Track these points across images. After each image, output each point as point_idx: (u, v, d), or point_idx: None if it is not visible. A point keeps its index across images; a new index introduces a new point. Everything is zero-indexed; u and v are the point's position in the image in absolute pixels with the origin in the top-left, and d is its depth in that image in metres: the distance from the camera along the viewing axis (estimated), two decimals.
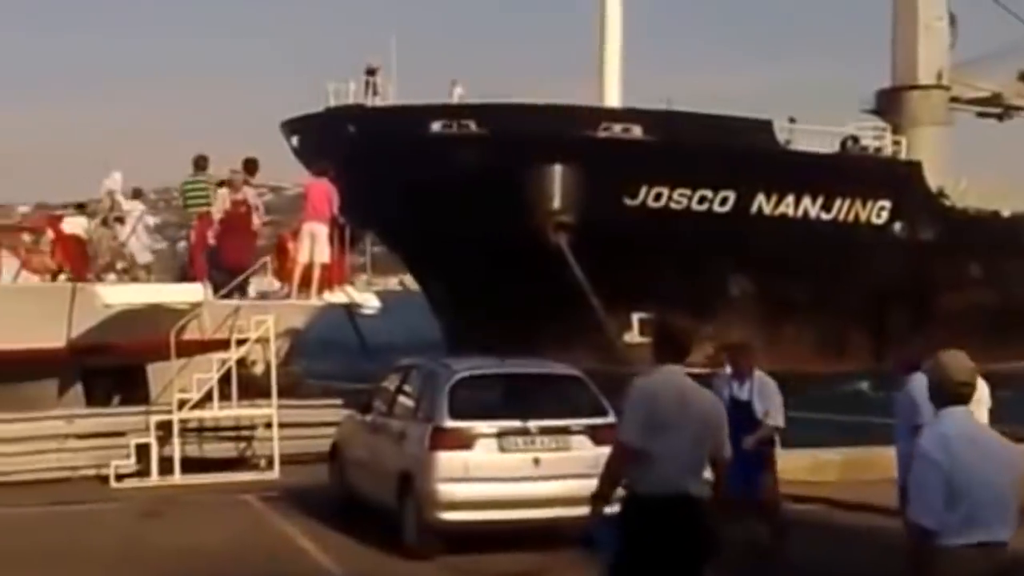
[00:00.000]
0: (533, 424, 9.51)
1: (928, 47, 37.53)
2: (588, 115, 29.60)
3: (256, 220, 14.87)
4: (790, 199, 30.86)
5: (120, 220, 15.53)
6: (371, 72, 29.36)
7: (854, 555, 9.44)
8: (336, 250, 15.70)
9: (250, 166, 15.40)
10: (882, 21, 38.95)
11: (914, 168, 33.16)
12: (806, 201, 31.11)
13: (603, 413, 9.53)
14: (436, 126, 28.56)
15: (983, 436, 4.44)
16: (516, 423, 9.47)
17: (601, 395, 9.81)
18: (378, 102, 29.40)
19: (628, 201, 29.33)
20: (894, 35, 38.33)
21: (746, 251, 29.52)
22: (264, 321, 13.86)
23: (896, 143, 33.32)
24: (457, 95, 29.98)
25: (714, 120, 30.28)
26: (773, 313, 29.53)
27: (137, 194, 17.06)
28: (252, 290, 15.55)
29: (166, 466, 13.28)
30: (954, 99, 38.56)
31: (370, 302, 16.15)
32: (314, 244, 15.47)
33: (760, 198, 30.52)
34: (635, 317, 29.80)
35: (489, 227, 26.30)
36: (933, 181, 35.62)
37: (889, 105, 38.35)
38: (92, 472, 13.34)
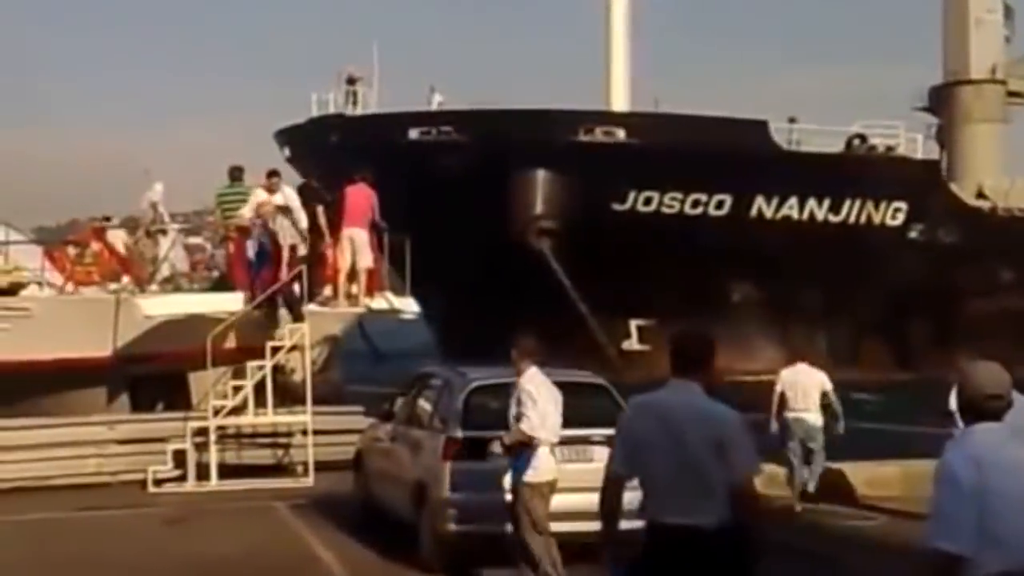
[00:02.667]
0: None
1: (980, 41, 36.31)
2: (568, 119, 29.02)
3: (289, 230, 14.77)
4: (793, 201, 29.92)
5: (163, 232, 15.74)
6: (351, 81, 29.45)
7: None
8: (375, 256, 15.68)
9: (274, 175, 15.41)
10: (936, 16, 37.83)
11: (931, 167, 31.88)
12: (811, 203, 30.14)
13: None
14: (415, 133, 28.53)
15: (1012, 454, 3.99)
16: (564, 432, 9.24)
17: (625, 403, 9.55)
18: (359, 111, 29.45)
19: (616, 206, 28.77)
20: (944, 30, 37.23)
21: (747, 256, 28.54)
22: (299, 329, 13.90)
23: (912, 141, 31.96)
24: (436, 102, 29.83)
25: (702, 121, 29.36)
26: (779, 320, 28.47)
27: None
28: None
29: (204, 472, 13.40)
30: (1013, 94, 37.18)
31: (410, 307, 16.10)
32: (356, 249, 15.46)
33: (759, 201, 29.66)
34: (633, 324, 29.15)
35: (471, 234, 25.97)
36: (982, 180, 34.34)
37: (941, 102, 37.25)
38: (132, 477, 13.52)
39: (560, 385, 9.99)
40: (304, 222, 14.65)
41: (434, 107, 29.77)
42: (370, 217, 15.64)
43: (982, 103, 36.45)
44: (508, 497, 8.50)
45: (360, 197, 15.72)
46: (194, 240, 17.58)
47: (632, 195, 28.93)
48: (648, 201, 29.11)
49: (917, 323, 30.42)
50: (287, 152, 30.66)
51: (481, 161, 26.49)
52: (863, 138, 31.41)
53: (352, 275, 15.52)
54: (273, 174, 15.24)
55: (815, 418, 12.12)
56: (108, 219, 16.20)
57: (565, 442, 9.32)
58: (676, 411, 4.80)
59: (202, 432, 13.49)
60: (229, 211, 15.43)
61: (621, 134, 29.01)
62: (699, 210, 29.36)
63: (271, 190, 14.71)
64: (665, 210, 29.17)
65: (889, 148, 31.73)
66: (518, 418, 8.39)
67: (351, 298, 15.52)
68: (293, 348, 13.93)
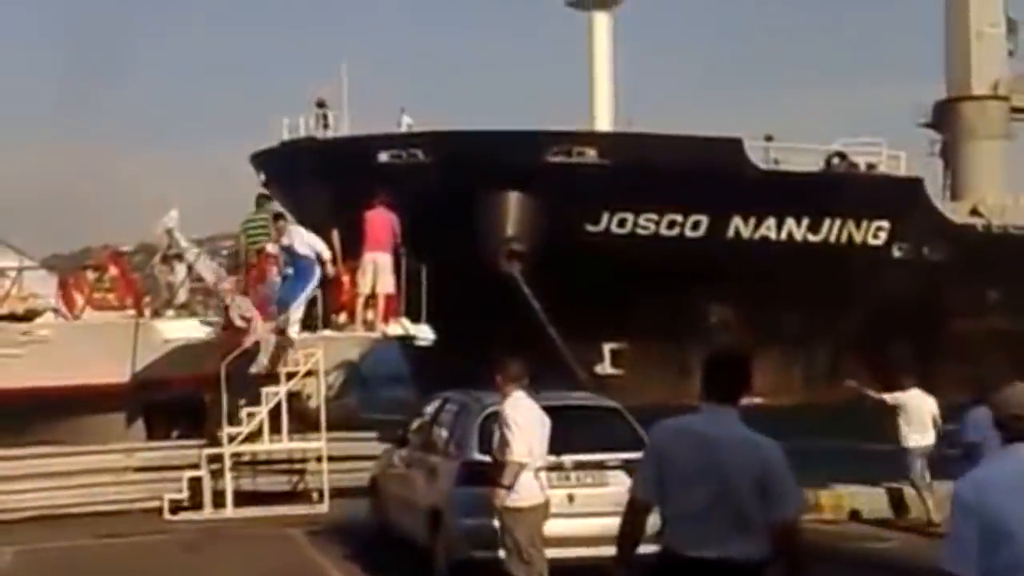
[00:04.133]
0: (567, 459, 9.22)
1: (982, 56, 35.99)
2: (538, 140, 28.77)
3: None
4: (771, 221, 29.44)
5: (179, 257, 15.80)
6: (321, 105, 29.46)
7: None
8: (392, 281, 15.68)
9: (280, 219, 15.39)
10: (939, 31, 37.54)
11: (913, 185, 31.23)
12: (790, 223, 29.60)
13: (642, 447, 9.18)
14: (384, 156, 28.36)
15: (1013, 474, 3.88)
16: (549, 458, 9.21)
17: (640, 428, 9.49)
18: (330, 134, 29.41)
19: (590, 227, 28.43)
20: (946, 44, 36.94)
21: (725, 277, 28.00)
22: (313, 354, 13.90)
23: (894, 158, 31.40)
24: (406, 124, 29.78)
25: (675, 140, 29.03)
26: (758, 341, 28.43)
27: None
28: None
29: (219, 499, 13.38)
30: (1017, 110, 36.78)
31: (425, 334, 16.07)
32: (377, 274, 15.45)
33: (736, 221, 29.19)
34: (606, 347, 28.75)
35: (441, 257, 25.87)
36: (985, 197, 33.80)
37: (944, 118, 36.88)
38: (149, 505, 13.52)
39: (572, 409, 9.97)
40: (322, 251, 14.55)
41: (403, 129, 29.71)
42: (392, 241, 15.66)
43: (985, 119, 36.13)
44: (496, 523, 8.39)
45: (381, 221, 15.73)
46: (209, 264, 17.65)
47: (606, 216, 28.61)
48: (622, 222, 28.80)
49: (900, 343, 29.98)
50: (263, 176, 30.68)
51: (450, 183, 26.30)
52: (843, 156, 30.98)
53: (370, 300, 15.53)
54: (279, 217, 15.15)
55: (931, 442, 12.09)
56: (124, 253, 16.29)
57: (579, 466, 9.29)
58: (716, 441, 4.52)
59: (217, 459, 13.48)
60: (254, 237, 15.48)
61: (592, 154, 28.75)
62: (675, 231, 29.01)
63: (280, 233, 14.63)
64: (640, 231, 28.87)
65: (870, 166, 31.24)
66: (501, 444, 8.28)
67: (367, 324, 15.52)
68: (308, 374, 13.92)
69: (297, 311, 14.17)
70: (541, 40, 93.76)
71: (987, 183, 35.41)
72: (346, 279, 15.57)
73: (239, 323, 13.77)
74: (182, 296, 15.79)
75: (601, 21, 33.43)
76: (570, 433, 9.49)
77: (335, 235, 15.27)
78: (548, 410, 9.82)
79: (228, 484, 13.39)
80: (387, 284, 15.47)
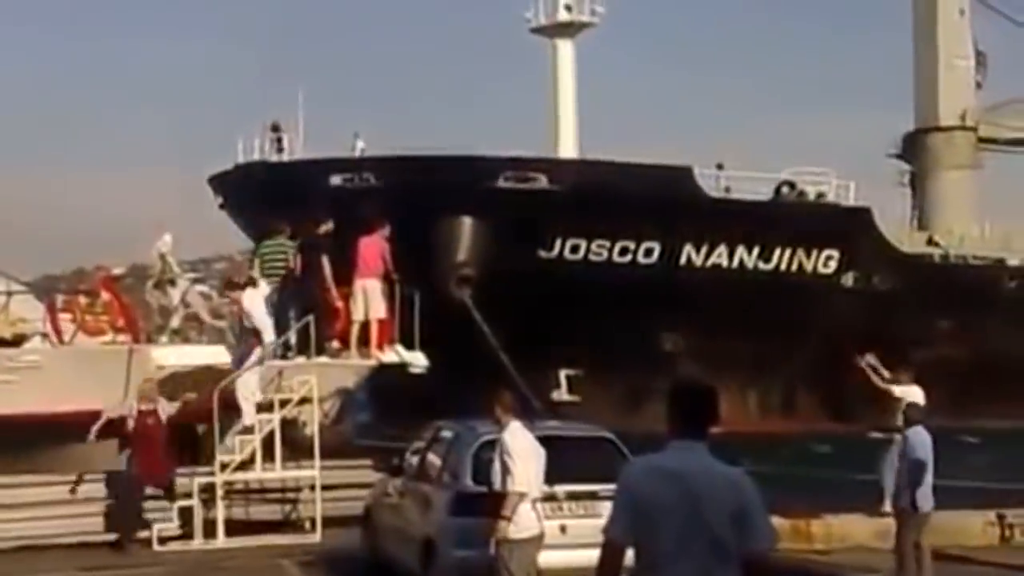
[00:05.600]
0: (560, 489, 9.11)
1: (950, 87, 36.08)
2: (489, 165, 28.70)
3: None
4: (722, 249, 29.41)
5: (172, 282, 15.68)
6: (275, 128, 29.46)
7: None
8: (386, 307, 15.55)
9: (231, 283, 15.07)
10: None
11: (862, 214, 31.20)
12: (741, 251, 29.60)
13: None
14: (337, 179, 28.26)
15: None
16: (544, 488, 9.07)
17: (633, 458, 9.35)
18: (285, 157, 29.39)
19: (543, 253, 28.35)
20: (915, 76, 37.15)
21: (678, 304, 27.92)
22: (307, 381, 13.75)
23: (843, 187, 31.32)
24: (359, 148, 29.69)
25: (625, 167, 28.99)
26: (712, 370, 28.22)
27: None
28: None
29: (210, 528, 13.18)
30: (985, 140, 36.92)
31: (418, 361, 15.92)
32: (369, 301, 15.33)
33: (688, 248, 29.21)
34: (562, 374, 28.63)
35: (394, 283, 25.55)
36: (957, 226, 33.81)
37: (912, 149, 37.08)
38: (140, 535, 13.28)
39: (564, 439, 9.86)
40: (262, 328, 14.08)
41: (357, 153, 29.65)
42: (383, 268, 15.55)
43: (952, 150, 36.09)
44: (490, 553, 8.29)
45: (373, 248, 15.63)
46: (200, 288, 17.50)
47: (558, 242, 28.57)
48: (575, 249, 28.73)
49: (852, 373, 29.76)
50: (219, 199, 30.70)
51: (401, 208, 26.34)
52: (792, 185, 31.06)
53: (364, 327, 15.39)
54: (232, 285, 14.60)
55: None
56: (117, 277, 16.14)
57: (573, 496, 9.17)
58: (688, 477, 4.43)
59: (209, 488, 13.28)
60: (270, 263, 15.35)
61: (543, 180, 28.72)
62: (627, 258, 28.98)
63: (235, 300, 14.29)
64: (593, 258, 28.79)
65: (820, 195, 31.27)
66: (503, 475, 8.20)
67: (362, 350, 15.37)
68: (303, 401, 13.76)
69: (245, 385, 13.79)
70: (507, 66, 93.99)
71: (954, 212, 35.60)
72: (339, 305, 15.44)
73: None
74: (175, 322, 15.64)
75: (565, 49, 33.65)
76: (563, 463, 9.38)
77: (325, 261, 15.15)
78: (541, 440, 9.72)
79: (220, 513, 13.18)
80: (378, 310, 15.36)
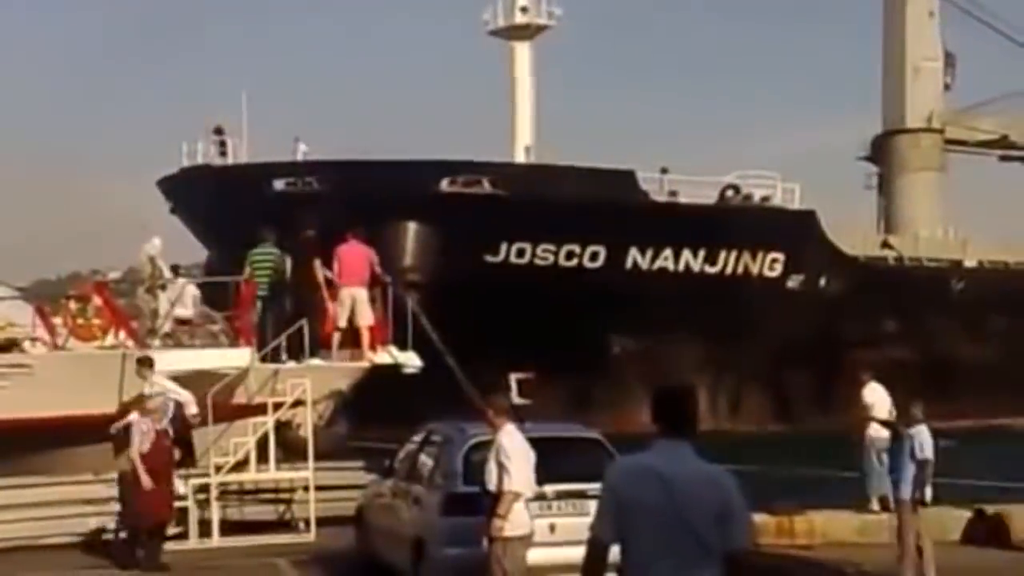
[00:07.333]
0: (549, 489, 9.30)
1: (918, 89, 36.26)
2: (432, 169, 28.74)
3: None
4: (668, 252, 29.64)
5: (162, 287, 15.79)
6: (219, 132, 29.40)
7: None
8: (379, 310, 15.72)
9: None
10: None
11: (807, 217, 31.45)
12: (686, 254, 29.85)
13: None
14: (280, 184, 28.25)
15: None
16: (534, 488, 9.26)
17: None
18: (229, 161, 29.34)
19: (489, 258, 28.41)
20: (883, 78, 37.36)
21: (624, 308, 28.06)
22: (301, 384, 13.91)
23: (789, 191, 31.70)
24: (301, 152, 29.65)
25: (568, 171, 29.12)
26: (659, 371, 27.13)
27: (175, 270, 17.16)
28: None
29: (206, 528, 13.34)
30: (954, 142, 37.12)
31: (412, 361, 16.09)
32: (356, 307, 15.48)
33: (633, 252, 29.34)
34: (513, 378, 28.79)
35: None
36: (923, 228, 34.01)
37: (880, 152, 37.28)
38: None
39: (553, 440, 10.05)
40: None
41: (299, 158, 29.57)
42: (367, 274, 15.69)
43: (918, 152, 36.35)
44: (481, 552, 8.49)
45: (354, 255, 15.74)
46: (195, 293, 17.63)
47: (504, 247, 28.61)
48: (521, 253, 28.82)
49: (797, 374, 29.87)
50: (170, 204, 30.67)
51: (344, 213, 26.37)
52: (736, 188, 31.28)
53: (355, 333, 15.55)
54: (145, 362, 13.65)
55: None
56: (109, 282, 16.25)
57: (561, 496, 9.37)
58: (672, 477, 4.54)
59: (204, 489, 13.45)
60: (260, 270, 15.50)
61: (486, 185, 28.78)
62: (574, 262, 29.07)
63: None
64: (539, 262, 28.88)
65: (764, 198, 31.54)
66: (499, 475, 8.40)
67: (354, 352, 15.53)
68: (297, 403, 13.92)
69: None
70: (464, 68, 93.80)
71: (920, 215, 35.86)
72: (331, 306, 15.60)
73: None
74: (167, 326, 15.76)
75: (522, 51, 33.77)
76: (551, 463, 9.58)
77: (318, 265, 15.30)
78: (531, 441, 9.92)
79: (215, 513, 13.35)
80: (366, 316, 15.50)
